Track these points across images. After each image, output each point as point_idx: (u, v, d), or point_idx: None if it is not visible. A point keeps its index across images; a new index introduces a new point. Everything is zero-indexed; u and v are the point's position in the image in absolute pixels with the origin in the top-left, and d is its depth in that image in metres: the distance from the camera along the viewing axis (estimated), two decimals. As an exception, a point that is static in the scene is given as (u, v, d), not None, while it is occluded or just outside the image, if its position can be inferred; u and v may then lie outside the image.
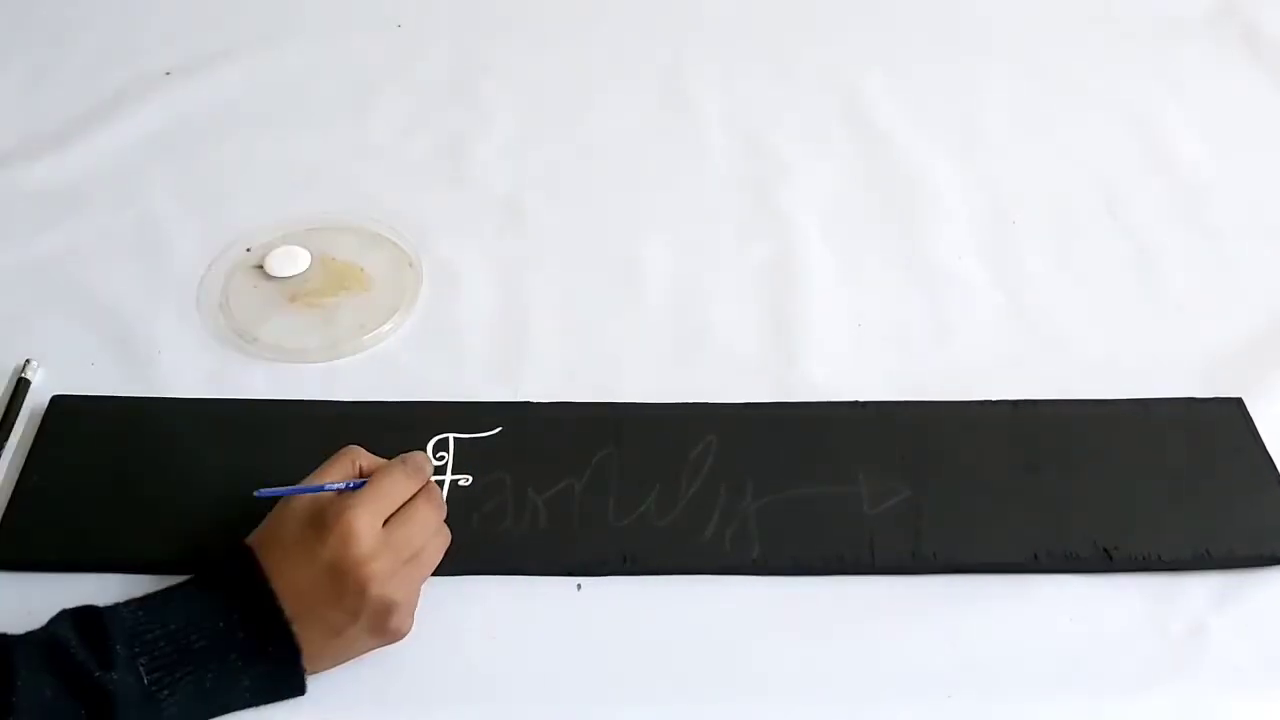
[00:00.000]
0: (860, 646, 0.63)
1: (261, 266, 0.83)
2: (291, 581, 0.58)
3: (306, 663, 0.58)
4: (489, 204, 0.89)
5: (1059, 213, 0.89)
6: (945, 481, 0.70)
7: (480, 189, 0.91)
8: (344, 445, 0.64)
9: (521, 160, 0.93)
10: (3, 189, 0.89)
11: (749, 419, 0.73)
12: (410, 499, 0.62)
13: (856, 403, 0.74)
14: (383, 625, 0.59)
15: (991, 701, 0.61)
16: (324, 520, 0.59)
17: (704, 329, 0.80)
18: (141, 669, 0.55)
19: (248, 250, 0.84)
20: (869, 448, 0.72)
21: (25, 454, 0.71)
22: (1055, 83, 1.01)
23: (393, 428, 0.71)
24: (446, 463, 0.70)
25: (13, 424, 0.72)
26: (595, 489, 0.69)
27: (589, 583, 0.66)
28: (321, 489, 0.61)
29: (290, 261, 0.83)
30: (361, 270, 0.83)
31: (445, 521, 0.64)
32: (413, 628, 0.61)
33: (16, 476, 0.69)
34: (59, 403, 0.73)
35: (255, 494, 0.61)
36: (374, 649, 0.61)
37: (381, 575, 0.58)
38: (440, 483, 0.69)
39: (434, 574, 0.63)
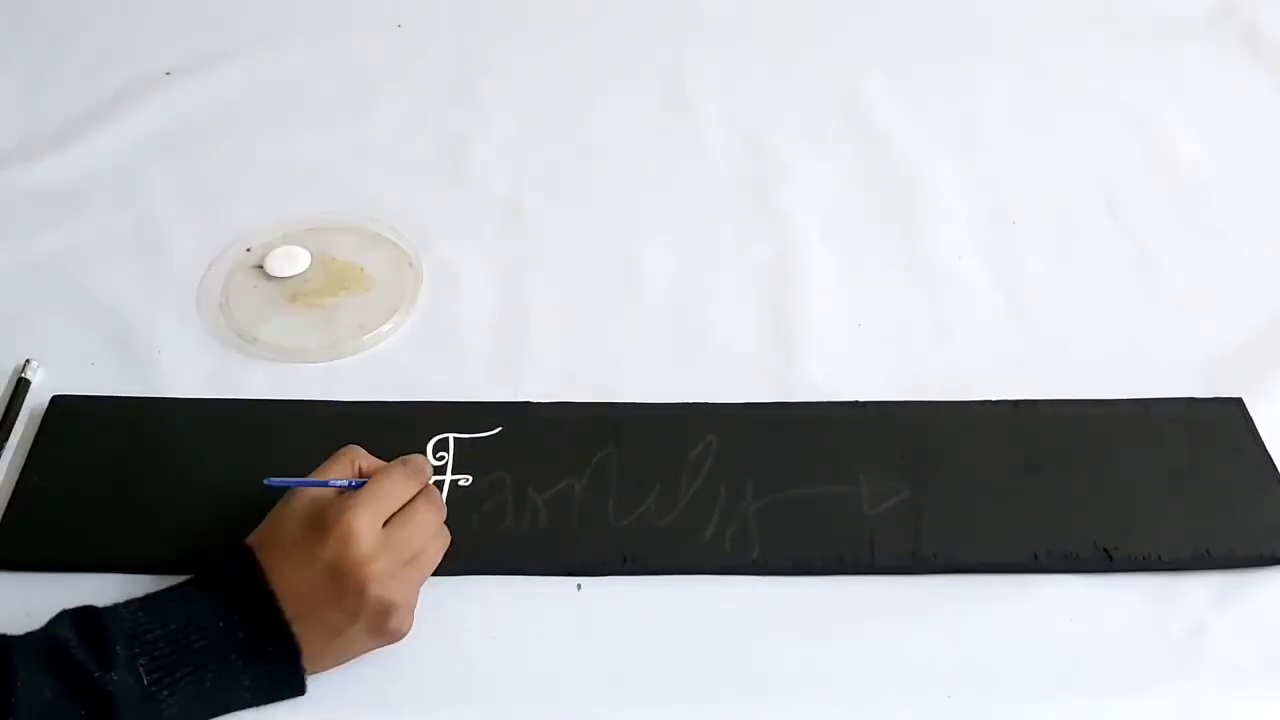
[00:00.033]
0: (860, 646, 0.63)
1: (261, 266, 0.83)
2: (291, 582, 0.58)
3: (306, 663, 0.58)
4: (489, 204, 0.89)
5: (1059, 213, 0.89)
6: (945, 481, 0.70)
7: (480, 189, 0.91)
8: (344, 445, 0.64)
9: (521, 160, 0.93)
10: (3, 189, 0.89)
11: (749, 419, 0.73)
12: (410, 500, 0.62)
13: (856, 403, 0.74)
14: (382, 626, 0.59)
15: (991, 701, 0.61)
16: (324, 521, 0.59)
17: (704, 329, 0.80)
18: (141, 669, 0.55)
19: (248, 250, 0.84)
20: (869, 448, 0.72)
21: (25, 454, 0.71)
22: (1055, 83, 1.01)
23: (393, 428, 0.71)
24: (446, 463, 0.70)
25: (13, 424, 0.72)
26: (595, 489, 0.69)
27: (589, 583, 0.66)
28: (328, 484, 0.61)
29: (290, 261, 0.83)
30: (361, 270, 0.83)
31: (445, 522, 0.64)
32: (413, 628, 0.61)
33: (16, 476, 0.69)
34: (59, 403, 0.73)
35: (265, 483, 0.61)
36: (374, 649, 0.61)
37: (381, 576, 0.58)
38: (440, 483, 0.69)
39: (434, 574, 0.63)
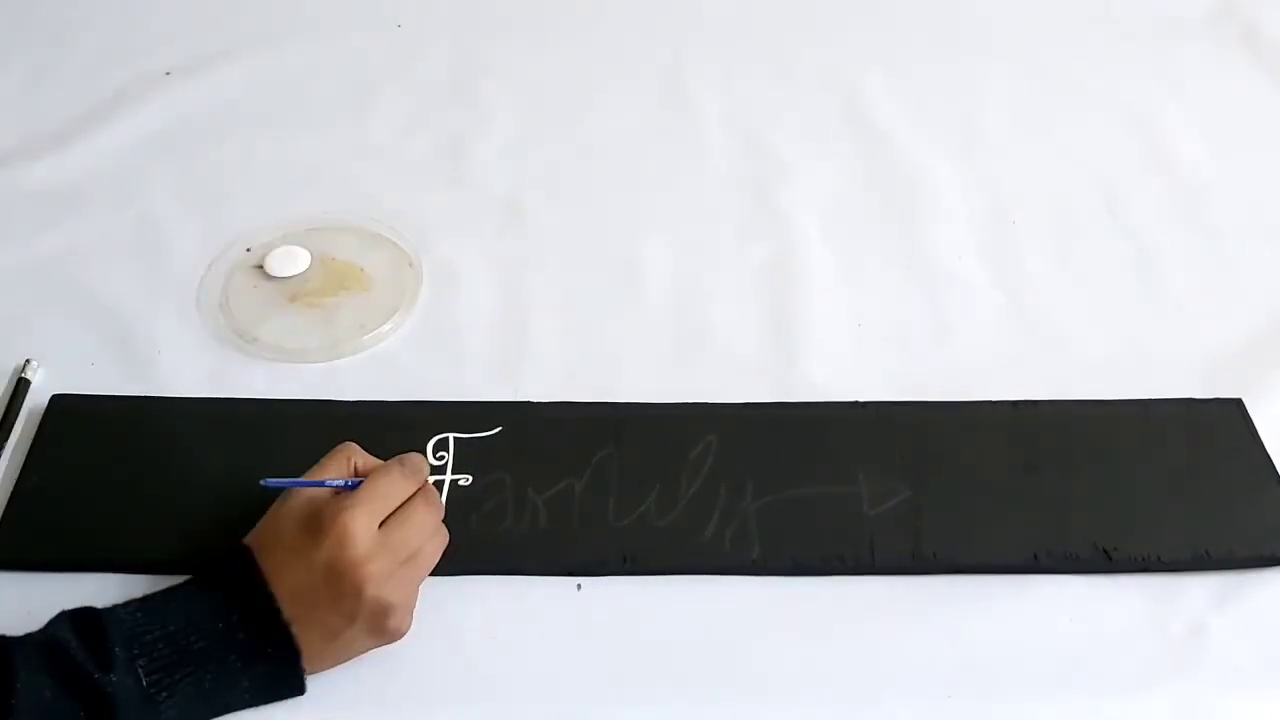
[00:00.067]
0: (860, 646, 0.63)
1: (261, 266, 0.83)
2: (290, 583, 0.58)
3: (306, 663, 0.58)
4: (489, 204, 0.89)
5: (1059, 213, 0.89)
6: (945, 481, 0.70)
7: (480, 189, 0.91)
8: (341, 443, 0.64)
9: (521, 160, 0.93)
10: (3, 189, 0.89)
11: (749, 419, 0.73)
12: (408, 500, 0.62)
13: (856, 403, 0.74)
14: (380, 626, 0.59)
15: (991, 701, 0.61)
16: (320, 522, 0.59)
17: (704, 329, 0.80)
18: (140, 670, 0.55)
19: (248, 250, 0.84)
20: (869, 448, 0.72)
21: (25, 454, 0.71)
22: (1055, 83, 1.01)
23: (393, 428, 0.71)
24: (446, 463, 0.70)
25: (13, 424, 0.72)
26: (595, 489, 0.69)
27: (589, 583, 0.66)
28: (325, 484, 0.61)
29: (290, 261, 0.83)
30: (361, 270, 0.83)
31: (445, 521, 0.64)
32: (412, 628, 0.61)
33: (16, 476, 0.69)
34: (59, 403, 0.73)
35: (261, 483, 0.61)
36: (373, 649, 0.61)
37: (378, 576, 0.58)
38: (440, 482, 0.69)
39: (434, 574, 0.63)
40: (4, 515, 0.67)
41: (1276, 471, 0.71)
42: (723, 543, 0.67)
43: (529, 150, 0.94)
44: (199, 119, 0.96)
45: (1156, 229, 0.87)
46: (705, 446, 0.71)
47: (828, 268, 0.84)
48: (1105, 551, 0.67)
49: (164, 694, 0.55)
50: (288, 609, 0.57)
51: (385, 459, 0.64)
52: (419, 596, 0.62)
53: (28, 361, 0.76)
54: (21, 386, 0.74)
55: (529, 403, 0.74)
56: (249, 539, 0.60)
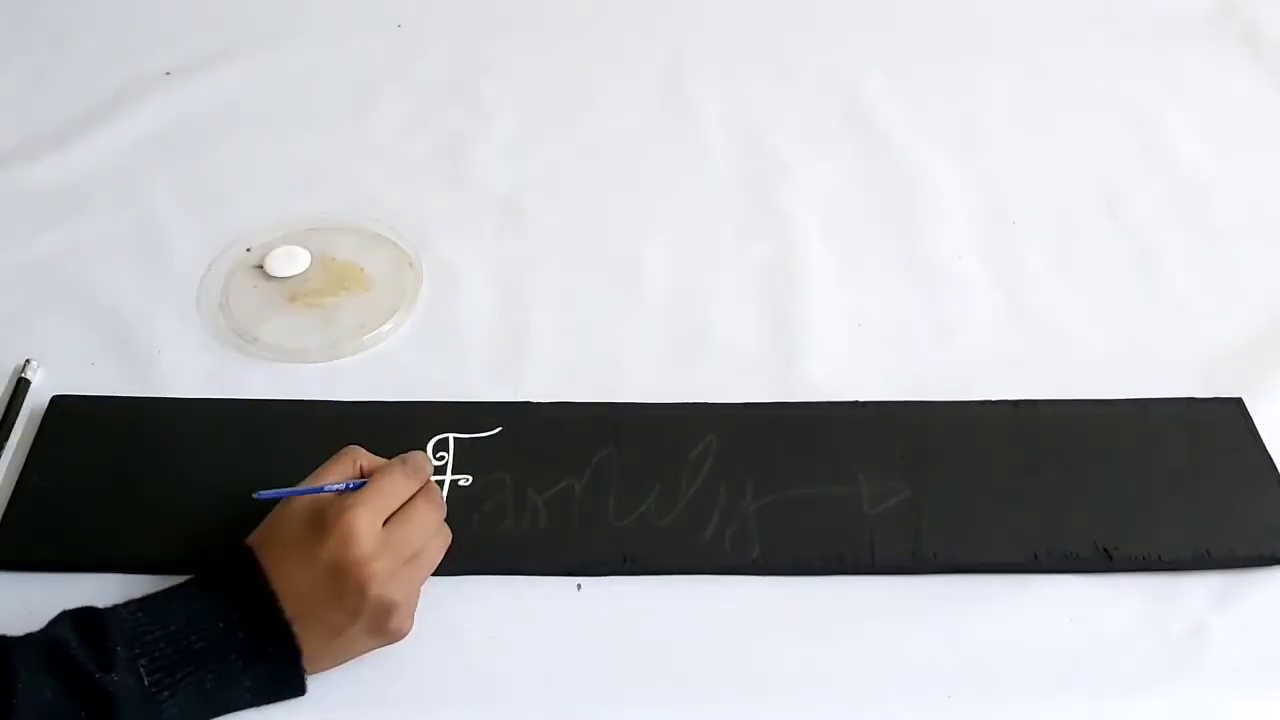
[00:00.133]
0: (860, 646, 0.63)
1: (261, 266, 0.83)
2: (291, 582, 0.58)
3: (306, 663, 0.58)
4: (489, 204, 0.89)
5: (1059, 213, 0.89)
6: (945, 481, 0.70)
7: (480, 189, 0.91)
8: (344, 445, 0.64)
9: (521, 160, 0.93)
10: (3, 189, 0.89)
11: (749, 419, 0.73)
12: (410, 499, 0.62)
13: (856, 403, 0.74)
14: (383, 625, 0.59)
15: (991, 701, 0.61)
16: (324, 521, 0.59)
17: (704, 329, 0.80)
18: (142, 670, 0.55)
19: (248, 250, 0.84)
20: (869, 448, 0.72)
21: (25, 454, 0.71)
22: (1055, 83, 1.01)
23: (393, 428, 0.71)
24: (446, 463, 0.70)
25: (13, 424, 0.72)
26: (595, 489, 0.69)
27: (589, 583, 0.66)
28: (321, 490, 0.61)
29: (290, 261, 0.83)
30: (361, 270, 0.83)
31: (445, 521, 0.64)
32: (413, 628, 0.61)
33: (16, 476, 0.69)
34: (59, 403, 0.73)
35: (255, 496, 0.61)
36: (374, 649, 0.61)
37: (381, 575, 0.58)
38: (440, 483, 0.69)
39: (434, 574, 0.63)
40: (4, 515, 0.67)
41: (1276, 471, 0.71)
42: (723, 543, 0.67)
43: (529, 150, 0.94)
44: (199, 119, 0.96)
45: (1156, 229, 0.87)
46: (705, 446, 0.71)
47: (828, 268, 0.84)
48: (1105, 551, 0.67)
49: (165, 693, 0.55)
50: (289, 608, 0.57)
51: (387, 459, 0.64)
52: (420, 596, 0.62)
53: (28, 361, 0.76)
54: (21, 386, 0.74)
55: (529, 403, 0.74)
56: (251, 539, 0.60)
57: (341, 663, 0.60)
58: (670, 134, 0.96)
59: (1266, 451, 0.72)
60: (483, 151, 0.94)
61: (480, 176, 0.92)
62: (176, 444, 0.71)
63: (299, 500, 0.61)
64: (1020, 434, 0.73)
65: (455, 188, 0.91)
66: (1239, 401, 0.74)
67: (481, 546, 0.67)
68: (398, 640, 0.61)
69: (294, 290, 0.82)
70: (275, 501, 0.61)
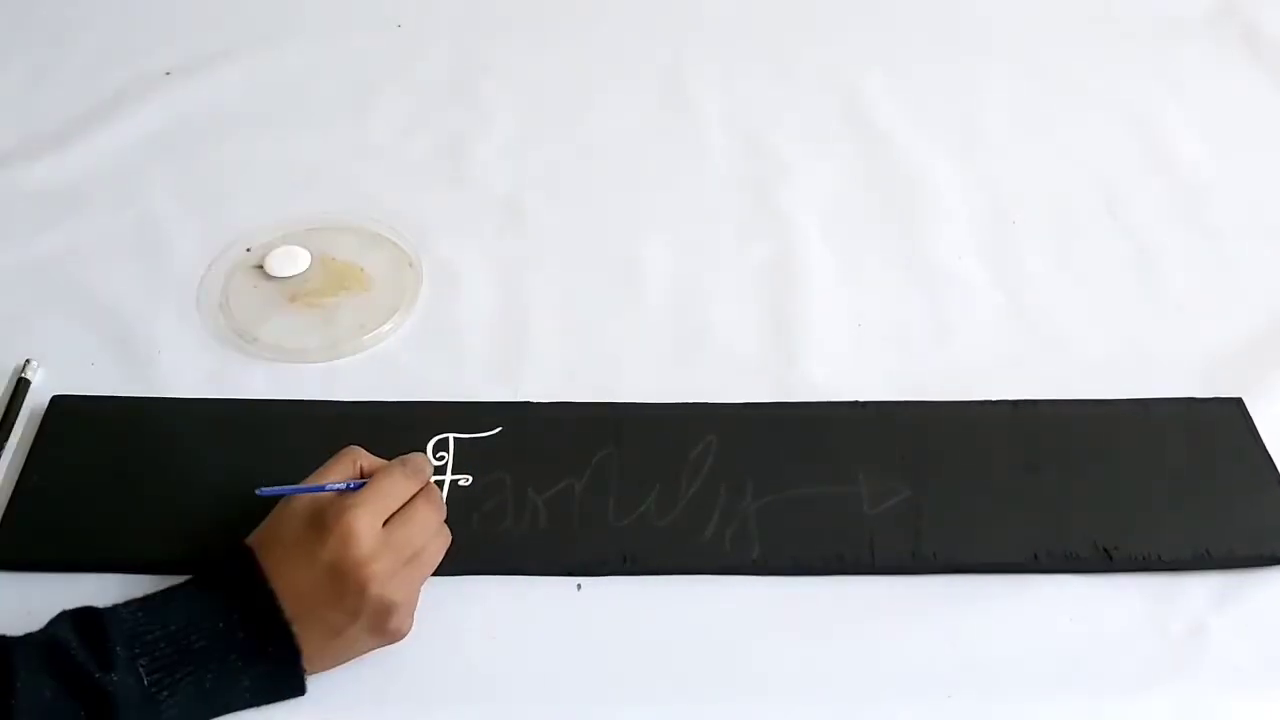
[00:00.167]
0: (860, 646, 0.63)
1: (261, 266, 0.83)
2: (291, 582, 0.58)
3: (306, 663, 0.58)
4: (489, 204, 0.89)
5: (1059, 213, 0.89)
6: (945, 481, 0.70)
7: (480, 189, 0.91)
8: (344, 445, 0.64)
9: (521, 160, 0.93)
10: (3, 189, 0.89)
11: (749, 419, 0.73)
12: (410, 500, 0.62)
13: (856, 403, 0.74)
14: (382, 626, 0.59)
15: (991, 701, 0.61)
16: (324, 521, 0.59)
17: (704, 329, 0.80)
18: (141, 670, 0.55)
19: (248, 250, 0.84)
20: (869, 448, 0.72)
21: (25, 454, 0.71)
22: (1055, 83, 1.01)
23: (393, 428, 0.71)
24: (446, 463, 0.70)
25: (13, 424, 0.72)
26: (595, 489, 0.69)
27: (589, 583, 0.66)
28: (322, 489, 0.61)
29: (290, 261, 0.83)
30: (361, 270, 0.83)
31: (445, 522, 0.64)
32: (413, 628, 0.61)
33: (16, 476, 0.69)
34: (59, 403, 0.73)
35: (257, 492, 0.61)
36: (374, 649, 0.61)
37: (381, 576, 0.58)
38: (440, 483, 0.69)
39: (434, 574, 0.63)
40: (4, 515, 0.67)
41: (1276, 471, 0.71)
42: (723, 543, 0.67)
43: (529, 150, 0.94)
44: (199, 119, 0.96)
45: (1156, 229, 0.87)
46: (705, 446, 0.71)
47: (828, 268, 0.84)
48: (1105, 551, 0.67)
49: (165, 693, 0.55)
50: (289, 607, 0.57)
51: (388, 460, 0.64)
52: (420, 596, 0.62)
53: (28, 361, 0.76)
54: (21, 386, 0.74)
55: (529, 403, 0.74)
56: (251, 539, 0.60)
57: (341, 663, 0.60)
58: (670, 134, 0.96)
59: (1266, 451, 0.72)
60: (483, 151, 0.94)
61: (480, 176, 0.92)
62: (176, 444, 0.71)
63: (299, 500, 0.61)
64: (1020, 434, 0.73)
65: (455, 188, 0.91)
66: (1239, 401, 0.74)
67: (481, 546, 0.67)
68: (397, 640, 0.61)
69: (294, 290, 0.82)
70: (276, 500, 0.61)
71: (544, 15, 1.07)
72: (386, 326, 0.79)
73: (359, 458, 0.63)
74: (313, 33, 1.04)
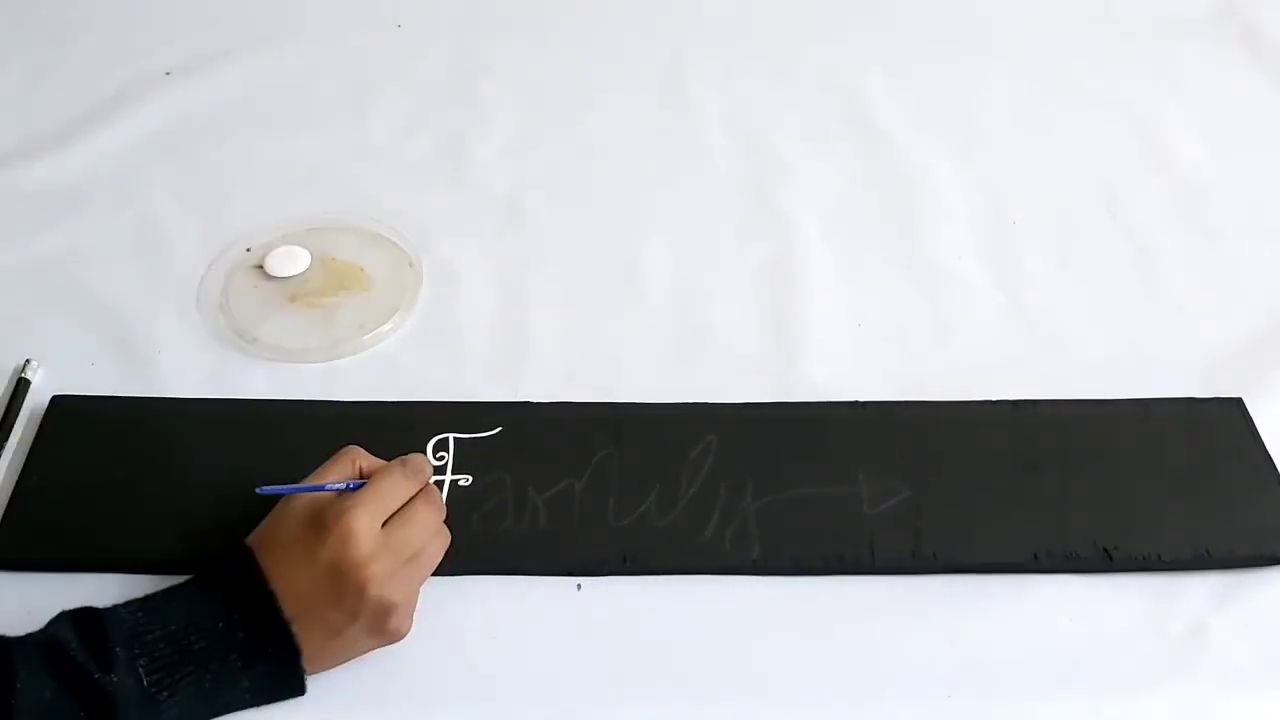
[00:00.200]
0: (860, 646, 0.63)
1: (261, 266, 0.83)
2: (291, 582, 0.58)
3: (306, 663, 0.58)
4: (489, 204, 0.89)
5: (1059, 213, 0.89)
6: (945, 481, 0.70)
7: (480, 189, 0.91)
8: (344, 445, 0.64)
9: (521, 160, 0.93)
10: (3, 189, 0.89)
11: (749, 419, 0.73)
12: (410, 500, 0.62)
13: (856, 403, 0.74)
14: (382, 626, 0.59)
15: (991, 701, 0.61)
16: (323, 521, 0.59)
17: (704, 329, 0.80)
18: (141, 670, 0.55)
19: (248, 250, 0.84)
20: (869, 448, 0.72)
21: (25, 454, 0.71)
22: (1055, 83, 1.01)
23: (393, 428, 0.71)
24: (446, 463, 0.70)
25: (13, 424, 0.72)
26: (595, 489, 0.69)
27: (589, 583, 0.66)
28: (322, 489, 0.61)
29: (290, 261, 0.83)
30: (361, 270, 0.83)
31: (445, 522, 0.64)
32: (412, 628, 0.61)
33: (16, 476, 0.69)
34: (59, 403, 0.73)
35: (257, 490, 0.61)
36: (374, 649, 0.61)
37: (380, 576, 0.58)
38: (440, 483, 0.69)
39: (434, 574, 0.63)
40: (4, 515, 0.67)
41: (1276, 471, 0.71)
42: (723, 543, 0.67)
43: (529, 150, 0.94)
44: (199, 119, 0.96)
45: (1156, 229, 0.87)
46: (705, 446, 0.71)
47: (828, 268, 0.84)
48: (1105, 551, 0.67)
49: (165, 694, 0.55)
50: (289, 608, 0.57)
51: (386, 460, 0.64)
52: (419, 596, 0.62)
53: (28, 361, 0.76)
54: (21, 386, 0.74)
55: (529, 403, 0.74)
56: (250, 539, 0.60)
57: (341, 663, 0.60)
58: (670, 134, 0.96)
59: (1266, 451, 0.72)
60: (483, 151, 0.94)
61: (480, 176, 0.92)
62: (176, 444, 0.71)
63: (298, 501, 0.61)
64: (1020, 434, 0.73)
65: (455, 188, 0.91)
66: (1239, 401, 0.74)
67: (481, 546, 0.67)
68: (397, 640, 0.61)
69: (294, 290, 0.82)
70: (275, 499, 0.61)
71: (544, 15, 1.07)
72: (386, 326, 0.79)
73: (358, 458, 0.63)
74: (313, 33, 1.04)
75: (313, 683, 0.59)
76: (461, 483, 0.69)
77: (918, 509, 0.69)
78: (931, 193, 0.90)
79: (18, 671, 0.54)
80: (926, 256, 0.85)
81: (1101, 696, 0.61)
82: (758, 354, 0.78)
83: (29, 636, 0.56)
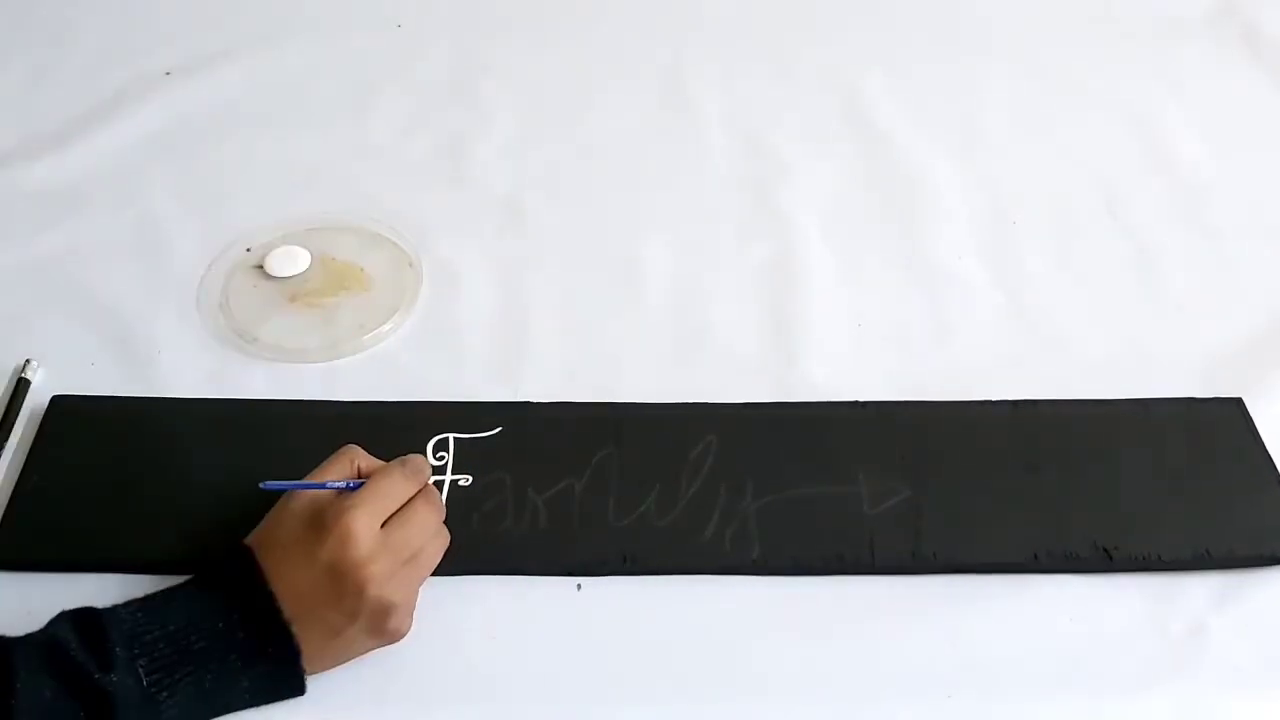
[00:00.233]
0: (860, 646, 0.63)
1: (261, 266, 0.83)
2: (291, 582, 0.58)
3: (306, 663, 0.58)
4: (489, 204, 0.89)
5: (1059, 213, 0.89)
6: (945, 481, 0.70)
7: (480, 189, 0.91)
8: (343, 445, 0.64)
9: (521, 160, 0.93)
10: (3, 189, 0.89)
11: (749, 419, 0.73)
12: (409, 500, 0.62)
13: (856, 403, 0.74)
14: (381, 626, 0.59)
15: (991, 701, 0.61)
16: (323, 521, 0.59)
17: (704, 329, 0.80)
18: (141, 670, 0.55)
19: (248, 250, 0.84)
20: (869, 448, 0.72)
21: (25, 454, 0.71)
22: (1055, 83, 1.01)
23: (393, 428, 0.71)
24: (446, 463, 0.70)
25: (13, 424, 0.72)
26: (595, 489, 0.69)
27: (589, 583, 0.66)
28: (325, 486, 0.61)
29: (290, 261, 0.83)
30: (361, 270, 0.83)
31: (445, 522, 0.64)
32: (412, 628, 0.61)
33: (16, 476, 0.69)
34: (59, 403, 0.73)
35: (261, 485, 0.61)
36: (373, 649, 0.61)
37: (380, 577, 0.58)
38: (440, 483, 0.69)
39: (434, 574, 0.63)
40: (4, 515, 0.67)
41: (1276, 471, 0.71)
42: (723, 543, 0.67)
43: (529, 150, 0.94)
44: (199, 119, 0.96)
45: (1156, 229, 0.87)
46: (705, 446, 0.71)
47: (828, 268, 0.84)
48: (1105, 551, 0.67)
49: (164, 694, 0.55)
50: (288, 608, 0.57)
51: (386, 460, 0.64)
52: (419, 597, 0.62)
53: (28, 361, 0.76)
54: (21, 386, 0.74)
55: (529, 403, 0.74)
56: (250, 539, 0.60)
57: (341, 663, 0.60)
58: (670, 134, 0.96)
59: (1266, 451, 0.72)
60: (483, 151, 0.94)
61: (480, 176, 0.92)
62: (176, 444, 0.71)
63: (298, 501, 0.61)
64: (1020, 434, 0.73)
65: (455, 188, 0.91)
66: (1239, 401, 0.74)
67: (481, 546, 0.67)
68: (396, 641, 0.61)
69: (294, 290, 0.82)
70: (276, 496, 0.61)
71: (544, 15, 1.07)
72: (386, 326, 0.79)
73: (356, 457, 0.63)
74: (313, 33, 1.04)
75: (313, 683, 0.59)
76: (461, 483, 0.69)
77: (918, 509, 0.69)
78: (931, 193, 0.90)
79: (18, 671, 0.54)
80: (926, 256, 0.85)
81: (1101, 696, 0.61)
82: (758, 354, 0.78)
83: (29, 636, 0.56)
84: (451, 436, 0.72)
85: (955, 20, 1.07)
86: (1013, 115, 0.98)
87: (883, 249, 0.86)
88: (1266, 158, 0.93)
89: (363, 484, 0.61)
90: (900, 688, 0.62)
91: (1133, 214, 0.89)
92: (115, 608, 0.57)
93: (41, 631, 0.56)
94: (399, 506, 0.61)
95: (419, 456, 0.65)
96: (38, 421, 0.72)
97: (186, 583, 0.59)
